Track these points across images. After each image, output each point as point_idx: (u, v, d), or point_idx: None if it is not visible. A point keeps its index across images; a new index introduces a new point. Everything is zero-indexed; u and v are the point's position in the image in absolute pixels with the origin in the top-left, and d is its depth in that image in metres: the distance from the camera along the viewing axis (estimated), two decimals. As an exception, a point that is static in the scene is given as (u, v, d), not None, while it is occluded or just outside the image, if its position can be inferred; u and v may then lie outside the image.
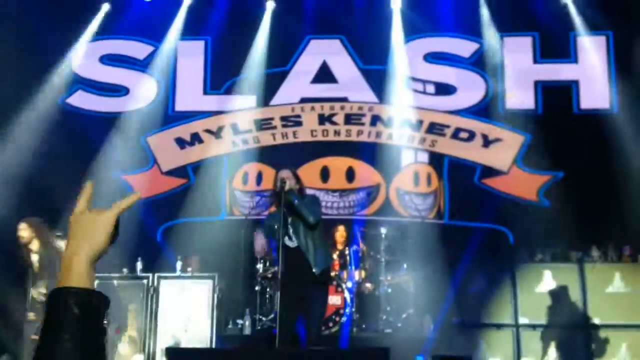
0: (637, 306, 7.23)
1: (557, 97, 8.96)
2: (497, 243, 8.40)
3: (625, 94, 8.69)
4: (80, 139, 8.84)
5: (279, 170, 6.02)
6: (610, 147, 8.38)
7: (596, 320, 7.36)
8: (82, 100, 9.41)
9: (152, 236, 8.70)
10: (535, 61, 9.13)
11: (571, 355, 7.24)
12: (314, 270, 5.57)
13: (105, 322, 1.23)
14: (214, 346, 7.11)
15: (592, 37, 9.00)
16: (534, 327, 7.42)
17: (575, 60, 9.03)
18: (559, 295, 7.48)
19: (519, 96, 9.06)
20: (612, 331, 7.27)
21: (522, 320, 7.44)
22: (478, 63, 9.24)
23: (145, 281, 7.46)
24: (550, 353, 7.19)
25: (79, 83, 9.43)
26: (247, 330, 7.47)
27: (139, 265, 7.70)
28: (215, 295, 7.38)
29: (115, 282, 7.55)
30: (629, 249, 7.69)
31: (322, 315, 5.83)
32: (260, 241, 5.91)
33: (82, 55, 9.45)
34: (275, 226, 5.60)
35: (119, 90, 9.47)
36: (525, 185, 8.75)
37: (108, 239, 1.32)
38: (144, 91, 9.41)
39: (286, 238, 5.66)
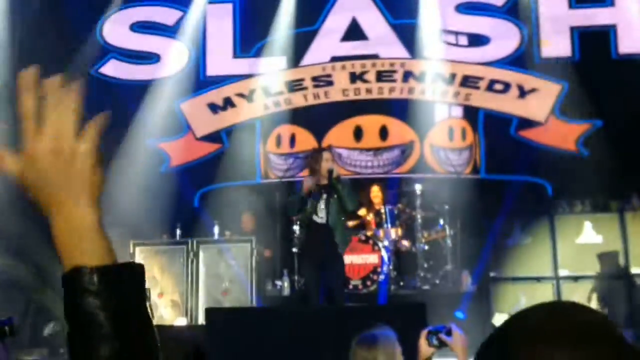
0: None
1: (594, 42, 8.68)
2: (536, 195, 8.27)
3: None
4: (114, 108, 8.92)
5: (320, 151, 6.40)
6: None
7: (638, 270, 7.24)
8: (114, 69, 9.48)
9: (189, 202, 8.83)
10: (571, 6, 8.84)
11: (613, 306, 7.16)
12: (339, 249, 6.04)
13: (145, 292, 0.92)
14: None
15: (629, -23, 8.66)
16: (575, 279, 7.35)
17: (611, 3, 8.70)
18: (599, 245, 7.37)
19: (555, 44, 8.80)
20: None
21: (563, 272, 7.37)
22: (512, 11, 8.99)
23: (184, 246, 7.60)
24: (592, 305, 7.12)
25: (111, 52, 9.50)
26: (286, 292, 7.58)
27: (178, 231, 7.85)
28: (254, 258, 7.48)
29: (155, 248, 7.73)
30: (672, 195, 7.51)
31: (344, 278, 6.44)
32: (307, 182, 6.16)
33: (113, 24, 9.49)
34: (309, 205, 6.05)
35: (150, 58, 9.51)
36: (564, 135, 8.57)
37: (102, 174, 0.89)
38: (175, 57, 9.43)
39: (314, 215, 6.06)
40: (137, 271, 0.89)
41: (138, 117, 9.02)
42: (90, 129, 0.88)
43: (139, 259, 7.37)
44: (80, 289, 0.85)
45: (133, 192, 8.14)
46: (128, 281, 0.87)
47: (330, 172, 5.97)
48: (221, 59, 9.44)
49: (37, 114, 0.88)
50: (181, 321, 7.35)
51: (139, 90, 9.20)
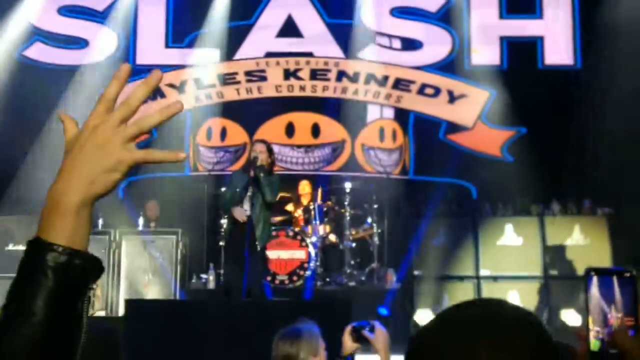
0: (596, 258, 7.36)
1: (522, 52, 8.96)
2: (461, 198, 8.46)
3: (589, 50, 8.72)
4: (38, 92, 8.59)
5: (255, 142, 6.33)
6: (572, 102, 8.45)
7: (555, 272, 7.50)
8: (40, 52, 9.14)
9: (114, 192, 8.54)
10: (501, 17, 9.10)
11: (531, 306, 7.38)
12: (257, 243, 5.91)
13: (91, 291, 0.96)
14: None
15: (557, -7, 8.98)
16: (494, 278, 7.55)
17: (540, 15, 9.01)
18: (519, 247, 7.59)
19: (485, 52, 9.04)
20: (571, 282, 7.40)
21: (483, 272, 7.56)
22: (445, 18, 9.17)
23: (106, 237, 7.36)
24: (510, 304, 7.31)
25: (37, 35, 9.15)
26: (211, 285, 7.47)
27: (100, 221, 7.60)
28: (179, 250, 7.33)
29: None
30: (589, 202, 7.82)
31: (260, 275, 6.18)
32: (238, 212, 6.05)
33: (40, 6, 9.14)
34: (237, 189, 5.96)
35: (78, 43, 9.21)
36: (489, 140, 8.81)
37: (116, 183, 0.98)
38: (104, 44, 9.17)
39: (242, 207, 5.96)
40: (90, 261, 0.93)
41: (62, 103, 8.70)
42: (147, 153, 0.98)
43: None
44: (31, 256, 0.91)
45: (54, 179, 7.84)
46: (76, 268, 0.91)
47: (255, 160, 5.86)
48: (152, 48, 9.25)
49: (112, 101, 0.98)
50: (100, 314, 7.12)
51: (64, 76, 8.89)
